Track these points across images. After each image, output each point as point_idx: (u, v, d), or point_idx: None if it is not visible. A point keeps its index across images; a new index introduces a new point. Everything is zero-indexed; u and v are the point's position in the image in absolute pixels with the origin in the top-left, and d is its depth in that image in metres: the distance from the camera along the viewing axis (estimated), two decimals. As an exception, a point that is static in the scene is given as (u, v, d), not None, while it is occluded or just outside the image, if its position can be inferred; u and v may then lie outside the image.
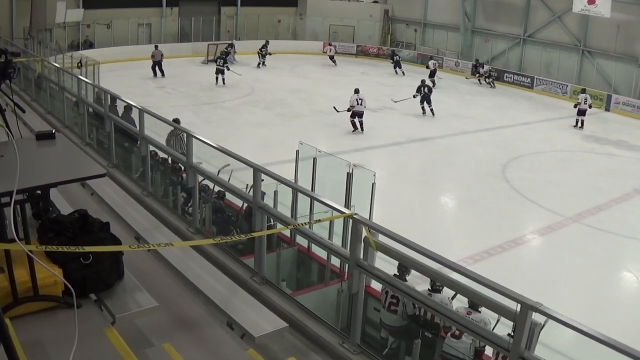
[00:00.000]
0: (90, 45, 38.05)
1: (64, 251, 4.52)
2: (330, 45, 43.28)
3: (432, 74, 35.88)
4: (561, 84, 35.92)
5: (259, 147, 21.08)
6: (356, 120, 24.67)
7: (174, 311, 5.79)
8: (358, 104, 24.51)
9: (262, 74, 37.26)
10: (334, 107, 25.75)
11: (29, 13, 35.82)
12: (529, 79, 37.82)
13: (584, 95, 28.98)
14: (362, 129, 24.69)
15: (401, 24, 47.45)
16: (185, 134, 14.49)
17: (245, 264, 7.44)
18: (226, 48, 38.62)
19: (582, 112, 28.44)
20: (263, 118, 26.56)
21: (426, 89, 28.62)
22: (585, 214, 17.54)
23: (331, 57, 41.99)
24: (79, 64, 25.25)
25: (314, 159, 9.44)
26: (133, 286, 5.30)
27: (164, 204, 9.62)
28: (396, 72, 39.31)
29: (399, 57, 40.90)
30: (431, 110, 28.54)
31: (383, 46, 46.30)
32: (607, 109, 33.29)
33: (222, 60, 33.78)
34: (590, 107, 28.87)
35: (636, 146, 25.78)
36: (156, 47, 35.28)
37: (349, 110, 24.63)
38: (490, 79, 37.91)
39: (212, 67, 35.05)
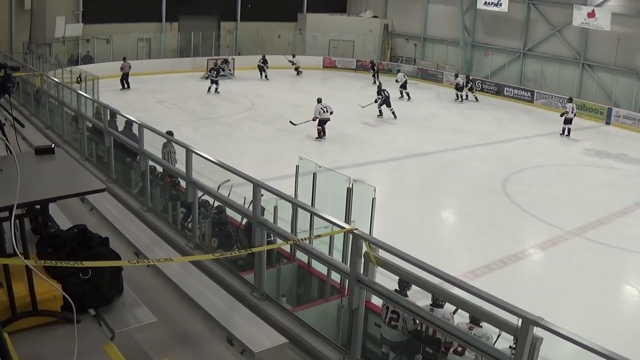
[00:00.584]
0: (89, 60, 38.15)
1: (62, 266, 4.51)
2: (293, 57, 43.53)
3: (403, 86, 36.30)
4: (561, 98, 35.84)
5: (259, 162, 21.09)
6: (322, 128, 25.94)
7: (173, 327, 5.77)
8: (324, 112, 25.74)
9: (262, 88, 37.35)
10: (291, 122, 26.83)
11: (29, 27, 35.91)
12: (529, 93, 37.87)
13: (571, 104, 29.56)
14: (324, 134, 25.99)
15: (401, 39, 47.55)
16: (173, 148, 14.71)
17: (245, 280, 7.43)
18: (221, 64, 39.04)
19: (568, 121, 29.15)
20: (263, 133, 26.61)
21: (386, 92, 30.81)
22: (586, 227, 17.53)
23: (297, 69, 42.74)
24: (79, 79, 25.30)
25: (313, 174, 9.44)
26: (132, 301, 5.29)
27: (164, 219, 9.62)
28: (375, 82, 38.06)
29: (377, 70, 41.09)
30: (392, 112, 30.71)
31: (383, 61, 46.40)
32: (608, 123, 33.25)
33: (216, 72, 35.72)
34: (574, 115, 29.39)
35: (636, 159, 25.79)
36: (124, 59, 35.85)
37: (314, 119, 25.81)
38: (471, 91, 38.00)
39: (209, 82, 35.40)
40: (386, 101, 30.64)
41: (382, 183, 20.18)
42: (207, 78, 37.03)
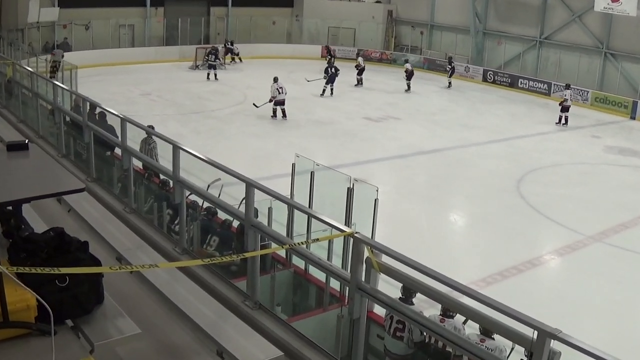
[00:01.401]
0: (66, 47, 38.12)
1: (37, 273, 4.50)
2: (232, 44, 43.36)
3: (360, 72, 37.03)
4: (581, 91, 35.92)
5: (252, 160, 21.12)
6: (278, 108, 27.99)
7: (158, 338, 5.76)
8: (279, 92, 27.71)
9: (255, 80, 37.34)
10: (254, 104, 28.60)
11: (-2, 11, 35.66)
12: (545, 85, 37.91)
13: (569, 91, 30.85)
14: (284, 116, 28.01)
15: (406, 26, 47.62)
16: (155, 144, 14.71)
17: (237, 287, 7.43)
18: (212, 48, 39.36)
19: (566, 109, 30.37)
20: (256, 128, 26.62)
21: (333, 69, 33.96)
22: (609, 232, 17.54)
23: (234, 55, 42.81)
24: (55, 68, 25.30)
25: (311, 172, 9.44)
26: (114, 311, 5.27)
27: (149, 221, 9.61)
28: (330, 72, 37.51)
29: (362, 68, 39.56)
30: (331, 89, 33.91)
31: (386, 50, 46.44)
32: (633, 117, 33.31)
33: (214, 56, 36.59)
34: (571, 103, 31.10)
35: (663, 158, 25.80)
36: (57, 47, 36.30)
37: (271, 100, 27.89)
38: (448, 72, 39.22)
39: (201, 73, 35.39)
40: (332, 79, 33.95)
41: (386, 183, 20.18)
42: (203, 65, 37.92)
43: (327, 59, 40.70)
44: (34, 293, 4.64)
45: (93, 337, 4.90)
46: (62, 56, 34.44)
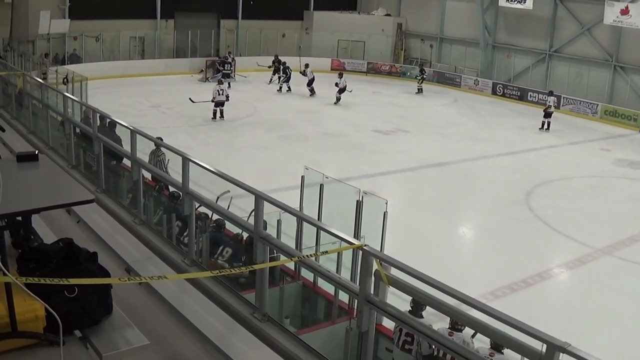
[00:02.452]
0: (77, 59, 38.26)
1: (46, 283, 4.50)
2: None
3: (341, 91, 35.57)
4: (591, 104, 35.89)
5: (261, 172, 21.11)
6: (218, 109, 29.58)
7: (166, 350, 5.76)
8: (219, 94, 29.33)
9: (265, 92, 37.45)
10: (190, 99, 30.25)
11: (9, 23, 35.55)
12: (555, 98, 37.75)
13: (553, 97, 32.01)
14: (222, 116, 29.66)
15: (416, 39, 47.66)
16: (164, 156, 14.74)
17: (245, 300, 7.42)
18: (221, 60, 39.88)
19: (548, 115, 31.38)
20: (266, 140, 26.65)
21: (289, 70, 37.90)
22: (618, 245, 17.46)
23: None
24: (65, 80, 25.37)
25: (320, 185, 9.45)
26: (122, 322, 5.27)
27: (158, 233, 9.61)
28: (273, 80, 40.51)
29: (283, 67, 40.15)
30: (288, 88, 37.94)
31: (396, 63, 46.48)
32: (643, 131, 33.18)
33: (228, 65, 38.87)
34: (554, 110, 32.17)
35: (673, 171, 25.70)
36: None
37: (212, 101, 29.41)
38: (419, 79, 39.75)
39: (211, 85, 35.41)
40: (288, 79, 37.90)
41: (395, 195, 20.18)
42: (213, 78, 38.25)
43: (274, 66, 40.77)
44: (43, 302, 4.65)
45: (101, 348, 4.90)
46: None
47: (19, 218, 4.76)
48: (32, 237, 5.71)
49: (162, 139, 12.63)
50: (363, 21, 48.68)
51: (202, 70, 40.84)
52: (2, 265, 4.40)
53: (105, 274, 5.32)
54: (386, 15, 48.77)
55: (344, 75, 36.71)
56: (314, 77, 37.26)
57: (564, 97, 37.15)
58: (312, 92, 36.96)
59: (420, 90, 39.80)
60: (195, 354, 5.90)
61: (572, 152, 28.20)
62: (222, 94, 29.43)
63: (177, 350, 5.89)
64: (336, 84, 35.87)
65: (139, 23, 41.68)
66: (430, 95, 38.18)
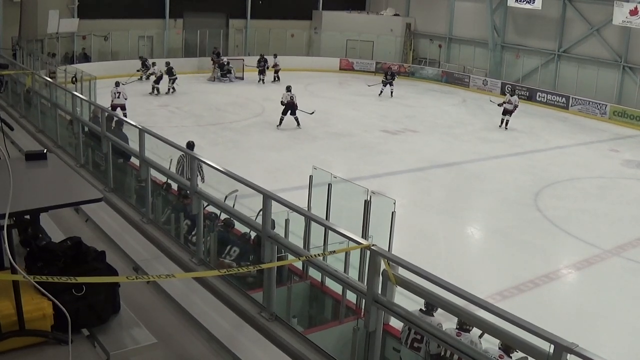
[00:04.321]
0: (85, 58, 38.31)
1: (54, 282, 4.50)
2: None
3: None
4: (599, 104, 35.80)
5: (269, 172, 21.14)
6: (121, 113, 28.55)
7: (174, 349, 5.75)
8: (117, 97, 27.07)
9: (273, 92, 37.40)
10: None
11: (18, 22, 35.74)
12: (563, 99, 37.77)
13: (514, 97, 31.81)
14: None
15: (424, 39, 47.64)
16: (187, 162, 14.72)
17: (253, 299, 7.41)
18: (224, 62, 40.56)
19: (507, 112, 31.14)
20: (274, 140, 26.67)
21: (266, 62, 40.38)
22: (627, 246, 17.41)
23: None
24: (74, 79, 25.39)
25: (328, 185, 9.44)
26: (130, 321, 5.27)
27: (166, 232, 9.61)
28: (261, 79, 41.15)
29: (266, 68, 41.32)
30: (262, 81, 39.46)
31: (405, 63, 46.43)
32: (652, 132, 33.02)
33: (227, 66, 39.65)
34: (516, 108, 31.69)
35: (682, 173, 25.61)
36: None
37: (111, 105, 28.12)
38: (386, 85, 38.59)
39: (219, 85, 35.46)
40: (263, 72, 39.56)
41: (403, 195, 20.16)
42: (222, 78, 39.37)
43: (260, 69, 41.09)
44: (53, 298, 4.65)
45: (109, 347, 4.90)
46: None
47: (28, 216, 4.77)
48: (40, 235, 5.72)
49: (192, 145, 12.59)
50: (372, 21, 48.69)
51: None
52: (13, 263, 4.40)
53: (113, 272, 5.33)
54: (395, 15, 48.77)
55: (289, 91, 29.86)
56: (292, 103, 28.94)
57: (572, 98, 37.15)
58: (297, 122, 28.93)
59: (385, 93, 38.13)
60: (202, 353, 5.90)
61: (580, 152, 28.13)
62: (120, 97, 27.22)
63: (185, 349, 5.89)
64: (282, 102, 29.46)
65: (148, 22, 41.80)
66: (438, 96, 38.08)
